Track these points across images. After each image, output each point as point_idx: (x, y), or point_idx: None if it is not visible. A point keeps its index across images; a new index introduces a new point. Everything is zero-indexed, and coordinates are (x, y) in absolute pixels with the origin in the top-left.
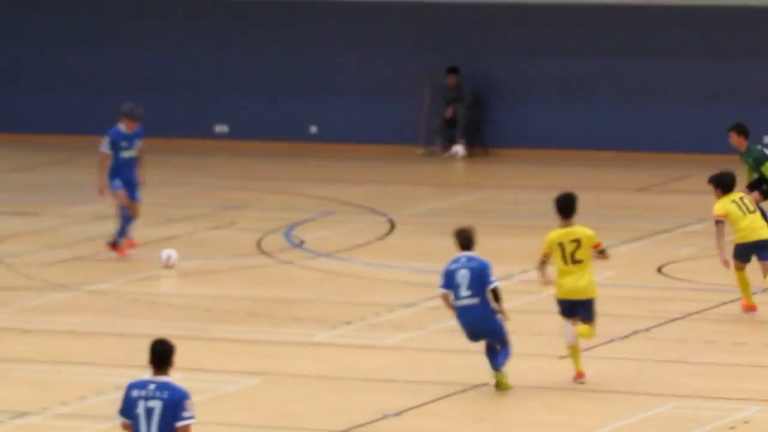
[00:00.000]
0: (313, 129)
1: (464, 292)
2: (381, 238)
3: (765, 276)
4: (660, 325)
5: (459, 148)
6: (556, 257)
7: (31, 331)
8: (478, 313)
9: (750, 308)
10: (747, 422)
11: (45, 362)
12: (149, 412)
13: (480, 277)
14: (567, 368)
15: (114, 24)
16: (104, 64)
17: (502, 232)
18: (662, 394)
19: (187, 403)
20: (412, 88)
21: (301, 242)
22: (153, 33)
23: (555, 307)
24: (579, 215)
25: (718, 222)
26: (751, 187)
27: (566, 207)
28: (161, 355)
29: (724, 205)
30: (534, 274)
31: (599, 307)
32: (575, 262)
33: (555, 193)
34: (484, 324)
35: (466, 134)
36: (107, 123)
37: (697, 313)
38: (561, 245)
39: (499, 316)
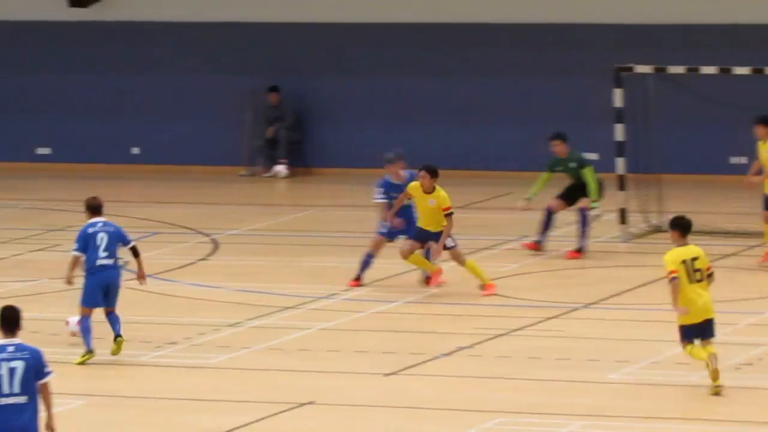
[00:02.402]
0: (135, 150)
1: (102, 253)
2: (204, 259)
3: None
4: (483, 341)
5: (281, 168)
6: None
7: None
8: (115, 272)
9: None
10: None
11: None
12: (12, 371)
13: (117, 238)
14: (391, 386)
15: None
16: None
17: (324, 251)
18: (486, 410)
19: (45, 359)
20: (234, 109)
21: (125, 263)
22: None
23: (378, 325)
24: None
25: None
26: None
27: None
28: (12, 319)
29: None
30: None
31: (422, 325)
32: None
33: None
34: (118, 282)
35: (288, 154)
36: None
37: (520, 329)
38: None
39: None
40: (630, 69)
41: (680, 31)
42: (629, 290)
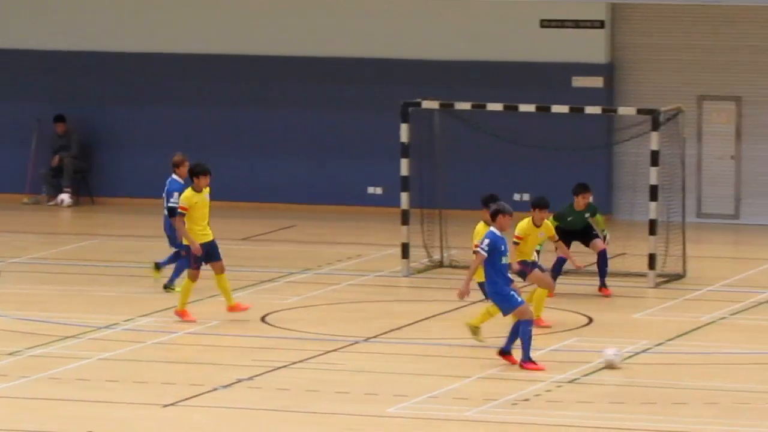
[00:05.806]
0: None
1: None
2: None
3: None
4: (263, 373)
5: (65, 197)
6: None
7: None
8: None
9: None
10: None
11: None
12: None
13: None
14: (170, 417)
15: None
16: None
17: (107, 281)
18: None
19: None
20: (20, 136)
21: None
22: None
23: (158, 356)
24: None
25: None
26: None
27: None
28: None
29: None
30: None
31: (202, 356)
32: None
33: (158, 243)
34: None
35: (73, 183)
36: None
37: (300, 362)
38: None
39: None
40: (417, 104)
41: (469, 67)
42: (409, 324)
